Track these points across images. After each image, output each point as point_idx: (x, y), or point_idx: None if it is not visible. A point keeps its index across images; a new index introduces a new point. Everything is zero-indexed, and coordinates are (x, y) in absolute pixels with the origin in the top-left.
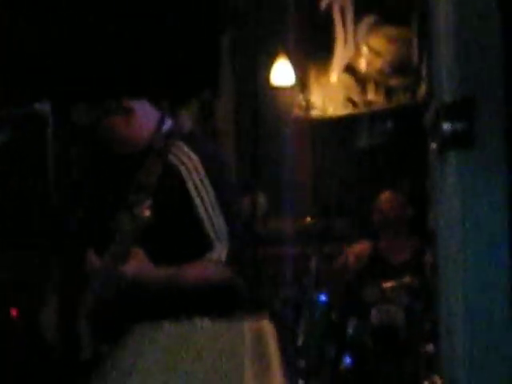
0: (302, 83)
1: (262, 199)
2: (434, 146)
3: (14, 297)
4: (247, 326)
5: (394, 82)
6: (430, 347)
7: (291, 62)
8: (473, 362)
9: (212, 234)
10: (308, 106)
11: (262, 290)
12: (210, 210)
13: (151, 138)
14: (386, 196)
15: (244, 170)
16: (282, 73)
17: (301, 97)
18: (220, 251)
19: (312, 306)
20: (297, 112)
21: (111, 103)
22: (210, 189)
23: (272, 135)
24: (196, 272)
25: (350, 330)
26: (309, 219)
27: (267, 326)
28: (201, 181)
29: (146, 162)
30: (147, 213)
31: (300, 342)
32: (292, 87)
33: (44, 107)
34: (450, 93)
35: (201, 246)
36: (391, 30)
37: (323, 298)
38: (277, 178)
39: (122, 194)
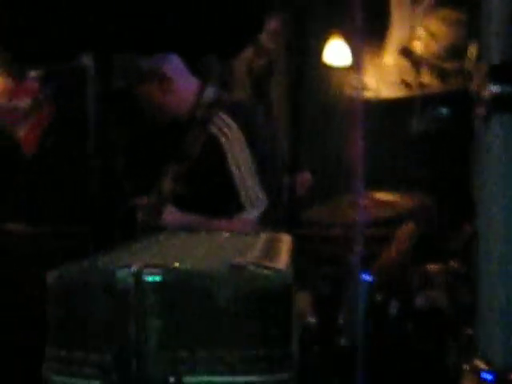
0: (357, 64)
1: (309, 176)
2: (479, 110)
3: None
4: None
5: (449, 65)
6: (470, 331)
7: (346, 42)
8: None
9: (246, 201)
10: (362, 87)
11: (306, 268)
12: (246, 178)
13: (193, 107)
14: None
15: (295, 148)
16: (336, 53)
17: (354, 77)
18: (251, 213)
19: (356, 285)
20: (350, 92)
21: (146, 68)
22: (248, 158)
23: (325, 114)
24: (224, 224)
25: (392, 312)
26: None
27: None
28: (240, 150)
29: (189, 132)
30: (183, 187)
31: (341, 319)
32: (346, 68)
33: (87, 61)
34: (499, 54)
35: (234, 211)
36: (448, 13)
37: (367, 277)
38: (327, 158)
39: (164, 162)
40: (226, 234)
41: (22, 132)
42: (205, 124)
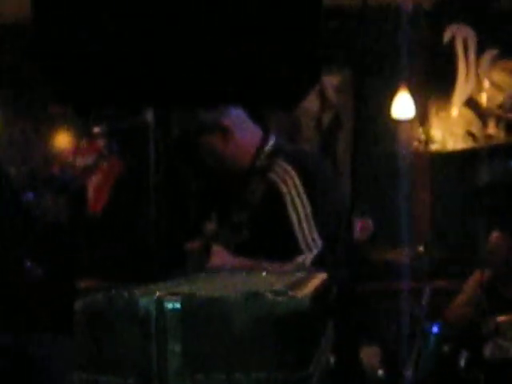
0: (423, 116)
1: (370, 223)
2: None
3: None
4: None
5: None
6: None
7: (412, 95)
8: None
9: (302, 244)
10: (428, 140)
11: (374, 322)
12: (302, 221)
13: (254, 156)
14: (495, 237)
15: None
16: (402, 106)
17: (421, 130)
18: (306, 257)
19: (424, 338)
20: (416, 145)
21: (206, 120)
22: (306, 203)
23: (391, 167)
24: (275, 267)
25: (461, 363)
26: (422, 250)
27: None
28: (298, 196)
29: (250, 181)
30: (246, 234)
31: (410, 373)
32: (412, 120)
33: (147, 117)
34: None
35: (290, 253)
36: None
37: (435, 329)
38: (394, 210)
39: (225, 211)
40: (265, 273)
41: (90, 190)
42: (265, 172)
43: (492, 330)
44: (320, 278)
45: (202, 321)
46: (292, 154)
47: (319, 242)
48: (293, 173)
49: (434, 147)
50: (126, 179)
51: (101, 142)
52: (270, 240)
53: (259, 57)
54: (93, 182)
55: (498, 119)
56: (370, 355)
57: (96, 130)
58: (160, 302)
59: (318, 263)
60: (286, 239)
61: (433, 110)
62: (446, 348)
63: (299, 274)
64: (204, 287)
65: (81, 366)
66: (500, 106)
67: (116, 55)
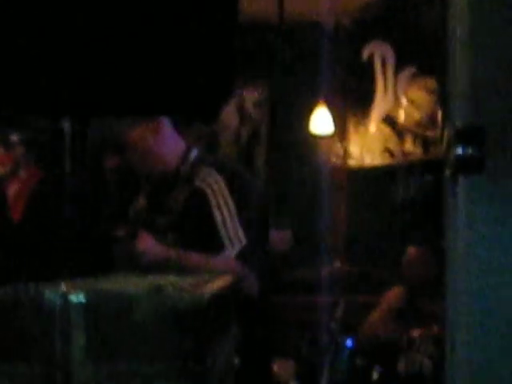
0: (341, 132)
1: (289, 235)
2: (446, 172)
3: None
4: None
5: (431, 133)
6: None
7: (331, 110)
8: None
9: (225, 240)
10: (346, 156)
11: (288, 334)
12: (226, 219)
13: (178, 165)
14: (411, 252)
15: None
16: (321, 121)
17: (339, 146)
18: (230, 252)
19: (337, 351)
20: (334, 161)
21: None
22: (231, 204)
23: (309, 182)
24: (202, 259)
25: (374, 377)
26: (339, 266)
27: None
28: (223, 197)
29: (174, 188)
30: (170, 237)
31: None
32: (331, 136)
33: (63, 125)
34: (463, 119)
35: (213, 248)
36: (431, 82)
37: (349, 342)
38: (312, 225)
39: (148, 216)
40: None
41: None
42: (190, 179)
43: (406, 344)
44: (226, 279)
45: (106, 314)
46: (215, 162)
47: (243, 239)
48: (218, 177)
49: (351, 163)
50: (43, 189)
51: (18, 151)
52: (195, 239)
53: (174, 68)
54: (10, 191)
55: (415, 136)
56: (283, 367)
57: (13, 138)
58: (64, 296)
59: (243, 259)
60: (210, 236)
61: (351, 126)
62: (359, 362)
63: (207, 276)
64: (111, 283)
65: None
66: (417, 123)
67: (33, 64)
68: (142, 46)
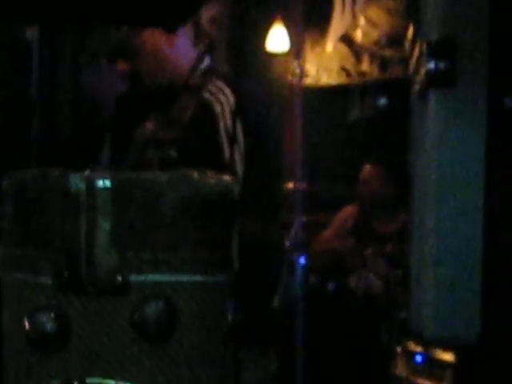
0: (297, 51)
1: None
2: (416, 87)
3: None
4: None
5: (389, 53)
6: (403, 314)
7: (287, 28)
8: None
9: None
10: (302, 74)
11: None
12: (236, 153)
13: (188, 74)
14: (367, 169)
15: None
16: (277, 39)
17: (295, 64)
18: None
19: (291, 269)
20: (290, 79)
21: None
22: (239, 130)
23: (264, 100)
24: None
25: (328, 292)
26: (292, 185)
27: None
28: (231, 118)
29: (181, 98)
30: (174, 153)
31: (276, 303)
32: (287, 54)
33: (31, 33)
34: (435, 33)
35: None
36: (389, 2)
37: (302, 260)
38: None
39: (152, 129)
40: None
41: None
42: (199, 91)
43: (357, 262)
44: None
45: (132, 199)
46: (227, 75)
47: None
48: (228, 92)
49: (308, 81)
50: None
51: None
52: (197, 161)
53: None
54: None
55: (373, 56)
56: None
57: None
58: (90, 180)
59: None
60: (214, 163)
61: (308, 45)
62: (312, 279)
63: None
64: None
65: (9, 241)
66: (375, 43)
67: None
68: None
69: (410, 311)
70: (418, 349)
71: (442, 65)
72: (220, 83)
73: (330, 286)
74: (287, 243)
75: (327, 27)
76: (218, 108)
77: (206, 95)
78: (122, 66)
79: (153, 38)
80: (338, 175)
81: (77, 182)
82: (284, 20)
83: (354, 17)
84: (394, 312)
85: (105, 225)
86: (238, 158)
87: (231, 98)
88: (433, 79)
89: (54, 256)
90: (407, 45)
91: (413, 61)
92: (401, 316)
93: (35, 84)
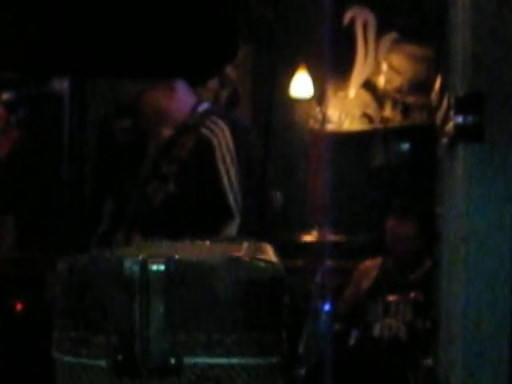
0: (320, 96)
1: (278, 195)
2: (443, 141)
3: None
4: None
5: (411, 100)
6: (429, 361)
7: (310, 74)
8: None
9: (233, 205)
10: (324, 120)
11: None
12: (233, 181)
13: (188, 117)
14: (392, 223)
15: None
16: (300, 85)
17: (318, 110)
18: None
19: (316, 315)
20: (312, 125)
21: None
22: (235, 162)
23: (286, 146)
24: None
25: (351, 341)
26: (317, 233)
27: None
28: (228, 151)
29: (181, 136)
30: (172, 187)
31: (301, 349)
32: (309, 100)
33: (61, 85)
34: (463, 85)
35: (222, 214)
36: (412, 49)
37: (327, 307)
38: (289, 190)
39: (156, 167)
40: (208, 242)
41: None
42: (197, 128)
43: (381, 311)
44: (269, 247)
45: (185, 283)
46: (224, 114)
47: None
48: (225, 128)
49: (330, 127)
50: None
51: (7, 110)
52: (197, 193)
53: (178, 29)
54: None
55: (395, 102)
56: None
57: (4, 96)
58: (144, 264)
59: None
60: (215, 195)
61: (331, 91)
62: (337, 326)
63: (245, 244)
64: (177, 250)
65: (63, 325)
66: (397, 89)
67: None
68: (146, 5)
69: (438, 360)
70: None
71: (470, 119)
72: (215, 118)
73: (354, 334)
74: (312, 289)
75: (350, 73)
76: (214, 141)
77: (204, 131)
78: (126, 123)
79: (154, 97)
80: (359, 222)
81: (131, 265)
82: (307, 66)
83: (377, 63)
84: (421, 360)
85: (158, 307)
86: (235, 185)
87: (226, 132)
88: (461, 133)
89: (108, 339)
90: (434, 96)
91: (440, 113)
92: (427, 364)
93: (66, 134)
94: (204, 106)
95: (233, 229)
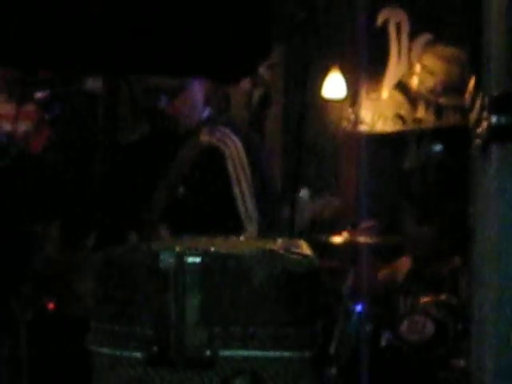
0: (353, 97)
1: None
2: (477, 141)
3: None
4: None
5: (444, 101)
6: (461, 362)
7: (343, 75)
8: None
9: (243, 213)
10: (357, 121)
11: None
12: (245, 191)
13: (192, 123)
14: (418, 229)
15: (288, 179)
16: (333, 86)
17: (350, 111)
18: (251, 231)
19: (347, 316)
20: (345, 126)
21: (174, 84)
22: (247, 171)
23: (318, 147)
24: None
25: (383, 342)
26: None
27: None
28: (241, 165)
29: (188, 142)
30: (182, 190)
31: (333, 350)
32: (342, 101)
33: (95, 84)
34: (497, 86)
35: (232, 223)
36: (445, 50)
37: (359, 308)
38: (321, 189)
39: (163, 172)
40: (242, 237)
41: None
42: (199, 135)
43: (410, 308)
44: (303, 243)
45: (221, 275)
46: (228, 121)
47: (256, 211)
48: (234, 137)
49: (363, 128)
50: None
51: (39, 109)
52: (210, 203)
53: (210, 27)
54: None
55: (428, 103)
56: None
57: (39, 95)
58: (180, 256)
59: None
60: (226, 204)
61: (364, 92)
62: (368, 327)
63: (280, 239)
64: (212, 243)
65: (99, 316)
66: (430, 91)
67: (64, 20)
68: (180, 5)
69: (471, 361)
70: None
71: (503, 119)
72: (223, 128)
73: (386, 335)
74: (344, 290)
75: (383, 74)
76: (227, 151)
77: (211, 139)
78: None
79: (176, 106)
80: (391, 224)
81: (166, 258)
82: (340, 67)
83: (410, 64)
84: (452, 360)
85: (194, 300)
86: (247, 193)
87: (238, 144)
88: (494, 133)
89: (143, 331)
90: (468, 96)
91: (474, 113)
92: (459, 365)
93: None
94: (206, 113)
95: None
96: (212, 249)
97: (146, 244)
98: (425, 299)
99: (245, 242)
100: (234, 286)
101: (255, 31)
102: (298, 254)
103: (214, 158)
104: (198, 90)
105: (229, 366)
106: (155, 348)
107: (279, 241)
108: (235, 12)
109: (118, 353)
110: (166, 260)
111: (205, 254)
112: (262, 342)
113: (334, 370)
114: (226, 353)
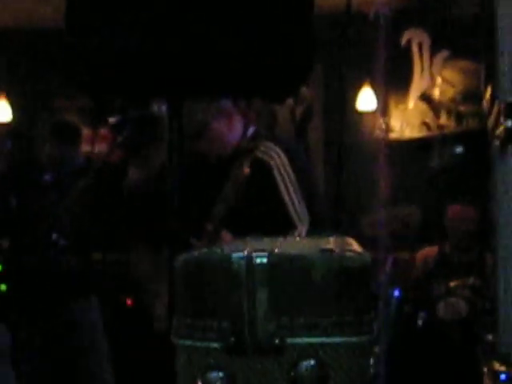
0: (383, 109)
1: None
2: (495, 144)
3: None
4: None
5: (464, 108)
6: (490, 337)
7: (374, 90)
8: None
9: (295, 217)
10: (387, 129)
11: None
12: (293, 195)
13: (238, 142)
14: (456, 210)
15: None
16: (366, 99)
17: (381, 121)
18: (301, 230)
19: (386, 301)
20: (378, 134)
21: (211, 108)
22: (293, 179)
23: (356, 154)
24: None
25: (419, 322)
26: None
27: None
28: (286, 172)
29: (236, 159)
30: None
31: (377, 331)
32: (374, 112)
33: (161, 108)
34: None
35: (284, 227)
36: (463, 64)
37: (397, 293)
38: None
39: (218, 190)
40: (298, 238)
41: None
42: (251, 151)
43: (444, 291)
44: (353, 240)
45: (285, 273)
46: (273, 137)
47: (307, 214)
48: (279, 150)
49: (393, 135)
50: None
51: (112, 133)
52: (262, 213)
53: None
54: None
55: (450, 111)
56: None
57: (111, 120)
58: (249, 258)
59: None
60: (277, 213)
61: (392, 103)
62: (405, 309)
63: (332, 238)
64: (275, 245)
65: (181, 312)
66: (451, 100)
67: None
68: (231, 30)
69: (498, 335)
70: (503, 368)
71: None
72: (268, 143)
73: (422, 316)
74: (383, 277)
75: (408, 87)
76: (272, 162)
77: (259, 154)
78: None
79: (218, 124)
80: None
81: (238, 259)
82: (371, 82)
83: (432, 77)
84: (483, 335)
85: (263, 296)
86: (296, 201)
87: (282, 155)
88: (511, 136)
89: (220, 324)
90: (485, 103)
91: (491, 118)
92: (488, 339)
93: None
94: (252, 130)
95: (297, 233)
96: (276, 250)
97: (219, 248)
98: (455, 282)
99: (302, 242)
100: (297, 282)
101: (299, 56)
102: (352, 251)
103: (262, 169)
104: (230, 116)
105: (296, 352)
106: (232, 338)
107: (331, 239)
108: (284, 39)
109: (198, 344)
110: (238, 261)
111: (270, 254)
112: (325, 329)
113: (377, 349)
114: (293, 340)
